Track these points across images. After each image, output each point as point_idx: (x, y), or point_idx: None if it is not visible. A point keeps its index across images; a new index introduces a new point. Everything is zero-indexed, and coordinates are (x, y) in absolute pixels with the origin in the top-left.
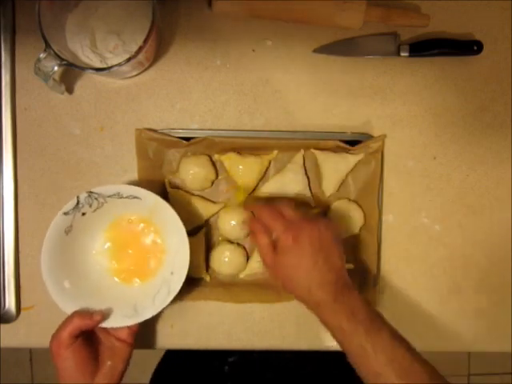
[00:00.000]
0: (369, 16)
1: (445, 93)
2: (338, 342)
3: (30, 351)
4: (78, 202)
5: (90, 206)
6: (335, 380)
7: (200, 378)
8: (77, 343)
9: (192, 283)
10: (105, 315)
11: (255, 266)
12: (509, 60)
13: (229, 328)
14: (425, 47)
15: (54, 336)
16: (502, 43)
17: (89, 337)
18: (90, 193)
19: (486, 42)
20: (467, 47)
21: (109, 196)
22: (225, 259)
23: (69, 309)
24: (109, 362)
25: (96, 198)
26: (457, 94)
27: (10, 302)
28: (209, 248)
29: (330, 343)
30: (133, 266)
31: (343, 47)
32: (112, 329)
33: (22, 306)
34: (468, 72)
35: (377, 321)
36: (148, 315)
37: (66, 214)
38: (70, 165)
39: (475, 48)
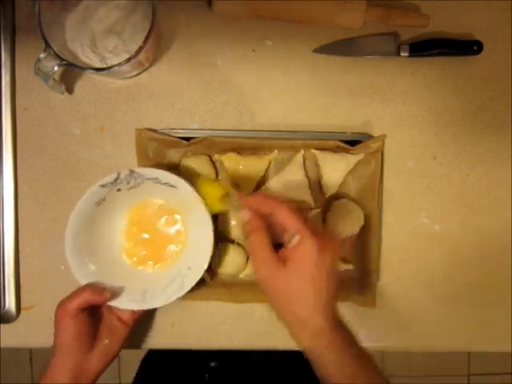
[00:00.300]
0: (369, 16)
1: (445, 93)
2: (325, 372)
3: (30, 351)
4: (117, 178)
5: (128, 183)
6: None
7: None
8: (81, 316)
9: None
10: (114, 294)
11: None
12: (509, 60)
13: (229, 328)
14: (425, 47)
15: (62, 303)
16: (502, 43)
17: (93, 312)
18: (132, 171)
19: (486, 42)
20: (467, 47)
21: (147, 178)
22: (225, 259)
23: (82, 279)
24: (106, 341)
25: (135, 178)
26: (457, 93)
27: (10, 302)
28: None
29: None
30: (151, 252)
31: (343, 47)
32: (116, 308)
33: (22, 306)
34: (468, 72)
35: (366, 357)
36: (155, 304)
37: (102, 186)
38: (70, 165)
39: (475, 48)
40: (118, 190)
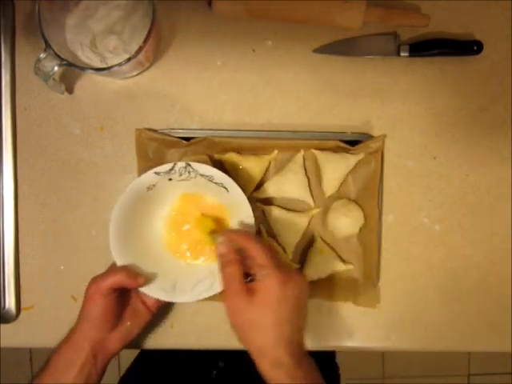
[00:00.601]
0: (369, 16)
1: (445, 93)
2: None
3: (30, 351)
4: (172, 168)
5: (180, 175)
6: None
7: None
8: (112, 295)
9: None
10: (147, 281)
11: None
12: (509, 60)
13: (229, 328)
14: (425, 47)
15: (96, 280)
16: (502, 43)
17: (123, 293)
18: (188, 165)
19: (486, 42)
20: (467, 47)
21: (201, 175)
22: None
23: (119, 259)
24: (128, 322)
25: (189, 172)
26: (457, 93)
27: (10, 302)
28: None
29: (330, 344)
30: (188, 245)
31: (343, 47)
32: (142, 292)
33: (22, 306)
34: (468, 72)
35: None
36: (182, 299)
37: (156, 173)
38: (69, 165)
39: (475, 48)
40: (170, 179)
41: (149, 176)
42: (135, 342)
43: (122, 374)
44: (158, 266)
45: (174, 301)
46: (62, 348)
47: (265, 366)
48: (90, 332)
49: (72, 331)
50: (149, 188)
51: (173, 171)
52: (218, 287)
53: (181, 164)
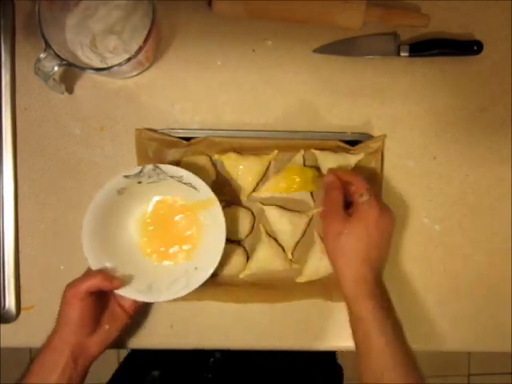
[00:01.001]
0: (369, 16)
1: (445, 93)
2: (362, 329)
3: (30, 351)
4: (141, 171)
5: (149, 177)
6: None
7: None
8: (89, 299)
9: None
10: (123, 283)
11: (255, 265)
12: (509, 60)
13: (229, 328)
14: (425, 47)
15: (72, 285)
16: (502, 43)
17: (100, 297)
18: (156, 167)
19: (486, 42)
20: (467, 47)
21: (171, 176)
22: (225, 259)
23: (94, 263)
24: (106, 326)
25: (158, 174)
26: (457, 93)
27: (10, 302)
28: None
29: (330, 344)
30: (162, 246)
31: (343, 47)
32: (118, 295)
33: (22, 306)
34: (468, 72)
35: (399, 322)
36: (159, 299)
37: (126, 176)
38: (69, 165)
39: (475, 48)
40: (139, 182)
41: (118, 179)
42: (135, 343)
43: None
44: (134, 268)
45: (150, 301)
46: (42, 353)
47: (349, 283)
48: (69, 336)
49: (51, 336)
50: (119, 192)
51: (142, 174)
52: (193, 285)
53: (149, 166)
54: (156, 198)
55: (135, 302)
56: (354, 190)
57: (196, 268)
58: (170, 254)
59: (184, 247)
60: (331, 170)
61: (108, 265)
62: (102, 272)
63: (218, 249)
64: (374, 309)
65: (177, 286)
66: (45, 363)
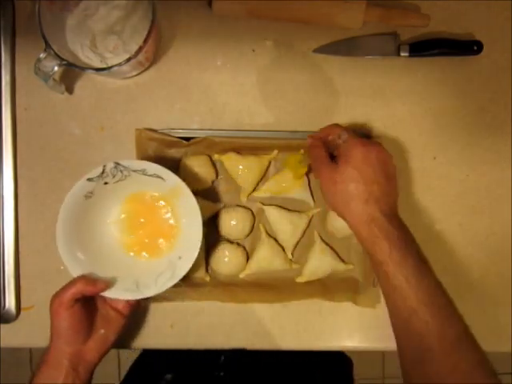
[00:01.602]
0: (369, 16)
1: (445, 93)
2: (381, 270)
3: (30, 351)
4: (103, 171)
5: (114, 176)
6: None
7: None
8: (76, 306)
9: (192, 283)
10: (108, 284)
11: (255, 265)
12: (509, 60)
13: (229, 328)
14: (425, 47)
15: (57, 295)
16: (501, 43)
17: (88, 302)
18: (117, 164)
19: (486, 42)
20: (467, 47)
21: (134, 170)
22: (225, 259)
23: (76, 272)
24: (102, 330)
25: (121, 171)
26: (457, 93)
27: (10, 302)
28: (209, 248)
29: (330, 344)
30: (143, 242)
31: (343, 47)
32: (110, 298)
33: (22, 306)
34: (468, 72)
35: (423, 259)
36: (148, 294)
37: (89, 180)
38: (69, 165)
39: (475, 48)
40: (105, 183)
41: (82, 184)
42: (135, 343)
43: (124, 375)
44: (118, 269)
45: (139, 298)
46: (41, 369)
47: (361, 228)
48: (65, 347)
49: (47, 351)
50: (87, 196)
51: (105, 174)
52: (179, 274)
53: (110, 165)
54: (127, 196)
55: (128, 302)
56: (333, 137)
57: (180, 257)
58: (152, 248)
59: (165, 239)
60: (311, 136)
61: (90, 269)
62: (84, 277)
63: (198, 234)
64: (389, 250)
65: (163, 279)
66: (45, 378)
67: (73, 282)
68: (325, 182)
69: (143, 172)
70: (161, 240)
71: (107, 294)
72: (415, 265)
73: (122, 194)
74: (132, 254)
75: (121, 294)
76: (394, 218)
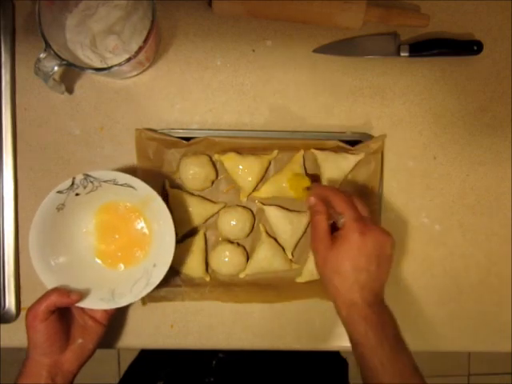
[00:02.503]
0: (369, 16)
1: (445, 93)
2: (358, 351)
3: None
4: (72, 183)
5: (85, 187)
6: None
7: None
8: (51, 318)
9: (192, 283)
10: (82, 295)
11: (255, 265)
12: (509, 60)
13: (229, 328)
14: (425, 47)
15: (31, 308)
16: (501, 43)
17: (64, 312)
18: (87, 176)
19: (486, 42)
20: (467, 47)
21: (104, 181)
22: (225, 259)
23: (51, 284)
24: (79, 340)
25: (91, 182)
26: (457, 93)
27: (10, 302)
28: (209, 248)
29: (330, 344)
30: (118, 252)
31: (343, 47)
32: (88, 308)
33: (22, 306)
34: (468, 72)
35: (401, 343)
36: (123, 303)
37: (59, 192)
38: (70, 165)
39: (475, 48)
40: (77, 194)
41: (53, 196)
42: (135, 343)
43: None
44: (94, 279)
45: (115, 307)
46: (20, 381)
47: (342, 308)
48: (41, 358)
49: (25, 362)
50: (58, 208)
51: (75, 186)
52: (154, 282)
53: (79, 176)
54: (100, 206)
55: (106, 311)
56: (334, 211)
57: (154, 265)
58: (128, 257)
59: (139, 247)
60: (314, 186)
61: (65, 281)
62: (58, 289)
63: (171, 240)
64: (366, 333)
65: (138, 287)
66: None
67: (46, 294)
68: (317, 256)
69: (114, 182)
70: (135, 249)
71: (82, 304)
72: (391, 349)
73: (95, 204)
74: (107, 263)
75: (96, 303)
76: (375, 304)
